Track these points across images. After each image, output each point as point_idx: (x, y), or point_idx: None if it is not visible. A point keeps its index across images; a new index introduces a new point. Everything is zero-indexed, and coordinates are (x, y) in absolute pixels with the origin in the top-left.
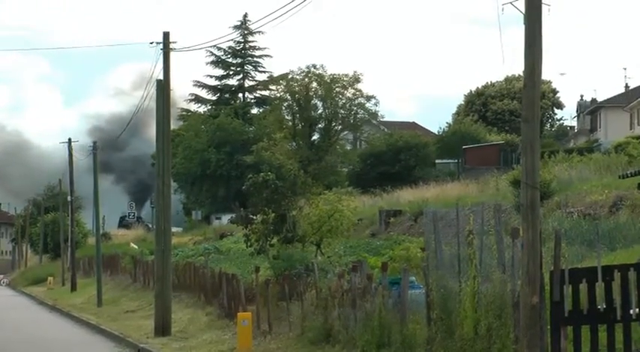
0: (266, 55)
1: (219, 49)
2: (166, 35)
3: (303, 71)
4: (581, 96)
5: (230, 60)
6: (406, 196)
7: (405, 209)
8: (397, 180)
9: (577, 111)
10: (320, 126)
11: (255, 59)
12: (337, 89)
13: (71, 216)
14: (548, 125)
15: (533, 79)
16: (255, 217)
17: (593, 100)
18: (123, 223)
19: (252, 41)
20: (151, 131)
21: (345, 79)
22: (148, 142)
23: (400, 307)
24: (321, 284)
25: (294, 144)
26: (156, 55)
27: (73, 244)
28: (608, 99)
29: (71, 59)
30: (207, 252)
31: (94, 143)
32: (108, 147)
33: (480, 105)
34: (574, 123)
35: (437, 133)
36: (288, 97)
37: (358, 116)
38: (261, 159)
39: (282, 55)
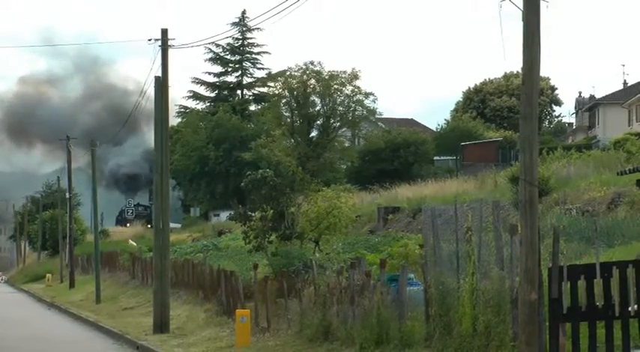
0: (264, 52)
1: (218, 46)
2: (164, 32)
3: (302, 68)
4: (580, 92)
5: (228, 57)
6: (404, 193)
7: (404, 206)
8: (395, 176)
9: (575, 107)
10: (318, 122)
11: (253, 56)
12: (335, 86)
13: (69, 213)
14: (546, 122)
15: (532, 75)
16: (253, 214)
17: (592, 97)
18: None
19: (251, 38)
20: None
21: (343, 75)
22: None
23: (398, 304)
24: (320, 281)
25: (292, 140)
26: (154, 52)
27: (71, 241)
28: (606, 96)
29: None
30: (205, 249)
31: (92, 140)
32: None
33: (479, 101)
34: (572, 119)
35: (435, 130)
36: (287, 94)
37: (356, 113)
38: (259, 156)
39: (281, 51)
